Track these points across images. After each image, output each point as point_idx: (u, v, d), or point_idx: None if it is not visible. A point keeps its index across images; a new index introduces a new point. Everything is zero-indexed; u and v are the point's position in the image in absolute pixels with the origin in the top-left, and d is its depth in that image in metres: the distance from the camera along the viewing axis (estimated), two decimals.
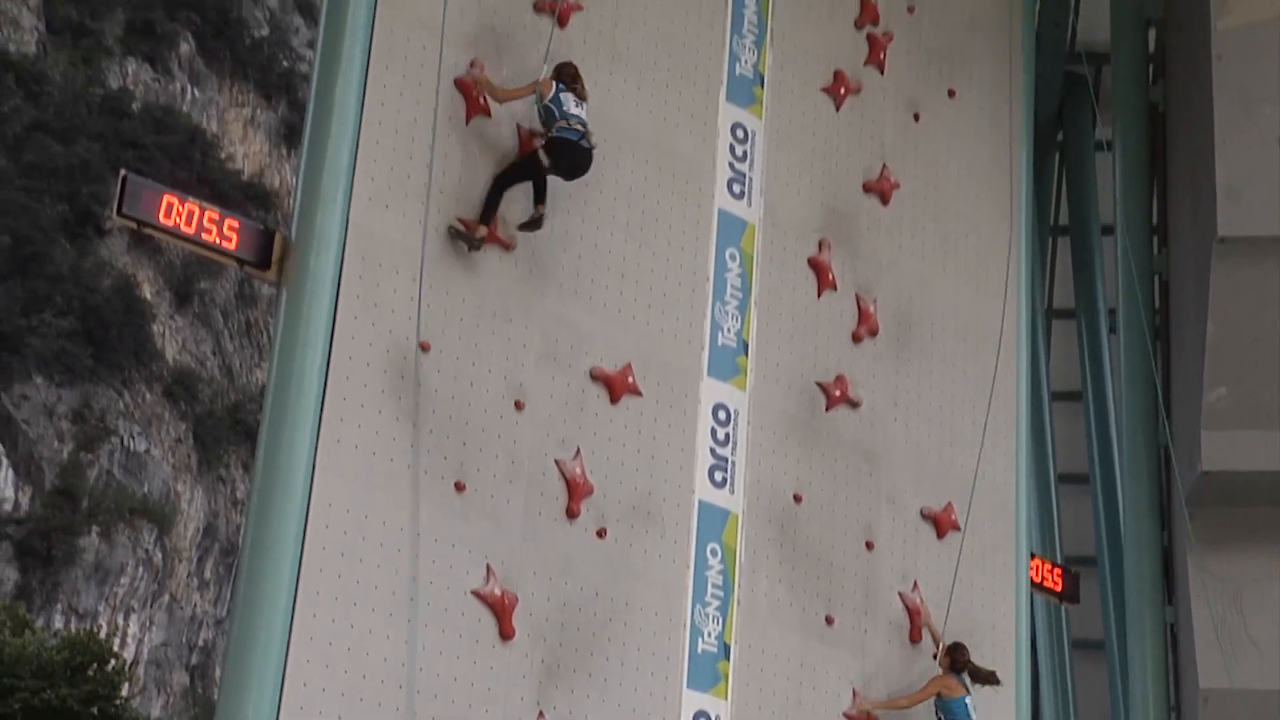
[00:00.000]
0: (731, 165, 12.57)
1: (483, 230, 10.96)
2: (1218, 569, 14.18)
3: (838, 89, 13.43)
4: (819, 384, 12.62)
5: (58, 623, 49.00)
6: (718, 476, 11.83)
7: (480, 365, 10.88)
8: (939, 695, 11.93)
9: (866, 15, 13.80)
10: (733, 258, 12.37)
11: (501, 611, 10.50)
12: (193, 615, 57.22)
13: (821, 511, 12.34)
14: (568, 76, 11.16)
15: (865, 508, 12.58)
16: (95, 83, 63.71)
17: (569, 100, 11.05)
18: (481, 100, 11.28)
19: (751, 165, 12.68)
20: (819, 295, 12.85)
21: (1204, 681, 13.98)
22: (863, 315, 13.04)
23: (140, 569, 54.39)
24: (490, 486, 10.72)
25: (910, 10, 14.13)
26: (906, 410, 13.06)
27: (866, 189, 13.42)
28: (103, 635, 42.58)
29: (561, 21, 11.81)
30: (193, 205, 10.33)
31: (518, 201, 11.16)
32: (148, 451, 57.02)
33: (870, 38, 13.77)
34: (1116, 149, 15.63)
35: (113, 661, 38.96)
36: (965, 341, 13.60)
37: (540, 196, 11.08)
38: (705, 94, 12.58)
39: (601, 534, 11.13)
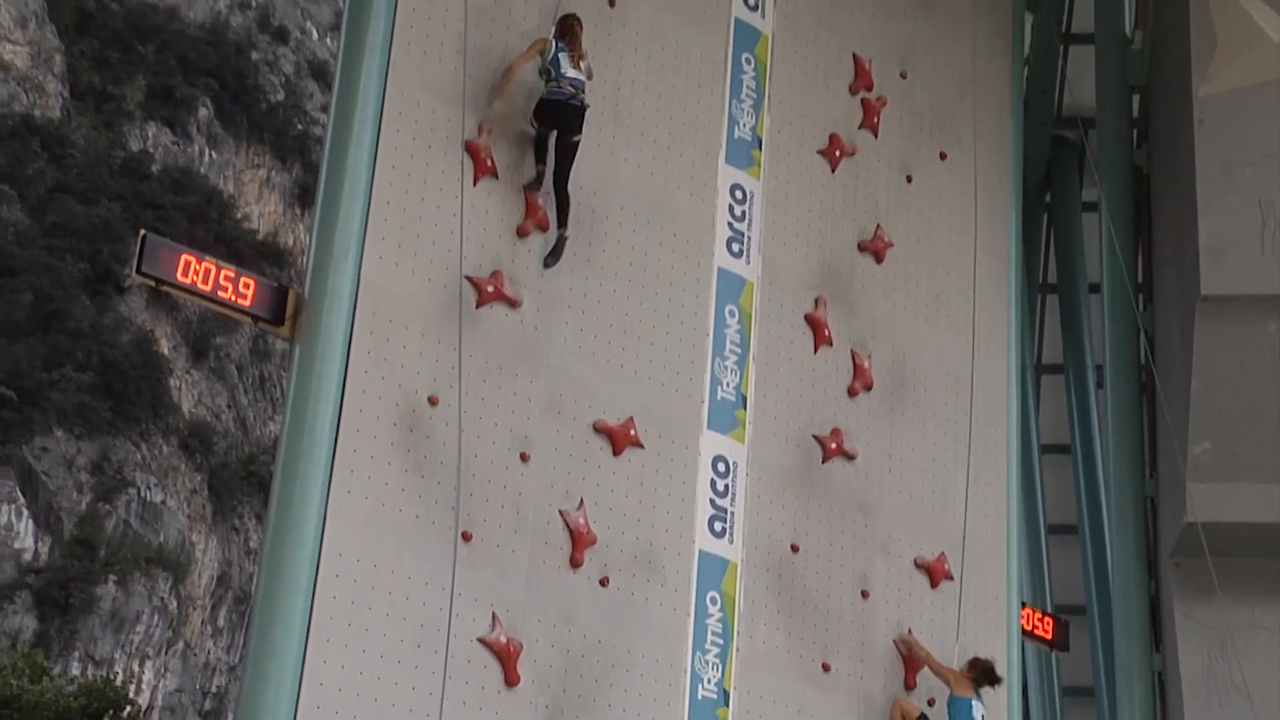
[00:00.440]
0: (731, 225, 12.59)
1: (540, 165, 11.39)
2: (1204, 618, 14.12)
3: (833, 152, 13.47)
4: (815, 437, 12.60)
5: (75, 670, 48.79)
6: (717, 526, 11.80)
7: (487, 418, 10.88)
8: (951, 691, 11.89)
9: (860, 81, 13.85)
10: (732, 314, 12.38)
11: (507, 658, 10.45)
12: (206, 662, 56.99)
13: (818, 561, 12.29)
14: (566, 33, 11.47)
15: (861, 557, 12.53)
16: (117, 146, 64.01)
17: (564, 61, 11.35)
18: (490, 165, 11.32)
19: (750, 225, 12.70)
20: (815, 351, 12.85)
21: None
22: (858, 370, 13.03)
23: (156, 617, 54.20)
24: (496, 536, 10.69)
25: (903, 76, 14.19)
26: (901, 462, 13.03)
27: (861, 248, 13.44)
28: (119, 682, 42.33)
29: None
30: (210, 263, 10.36)
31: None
32: (164, 502, 56.92)
33: (864, 102, 13.82)
34: (1103, 210, 15.66)
35: (128, 708, 38.74)
36: (957, 396, 13.58)
37: (540, 157, 11.41)
38: (705, 156, 12.62)
39: (604, 583, 11.08)
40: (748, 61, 13.07)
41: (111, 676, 43.51)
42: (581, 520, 11.09)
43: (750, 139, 12.93)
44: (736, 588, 11.74)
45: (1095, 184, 16.26)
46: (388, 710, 9.87)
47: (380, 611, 10.03)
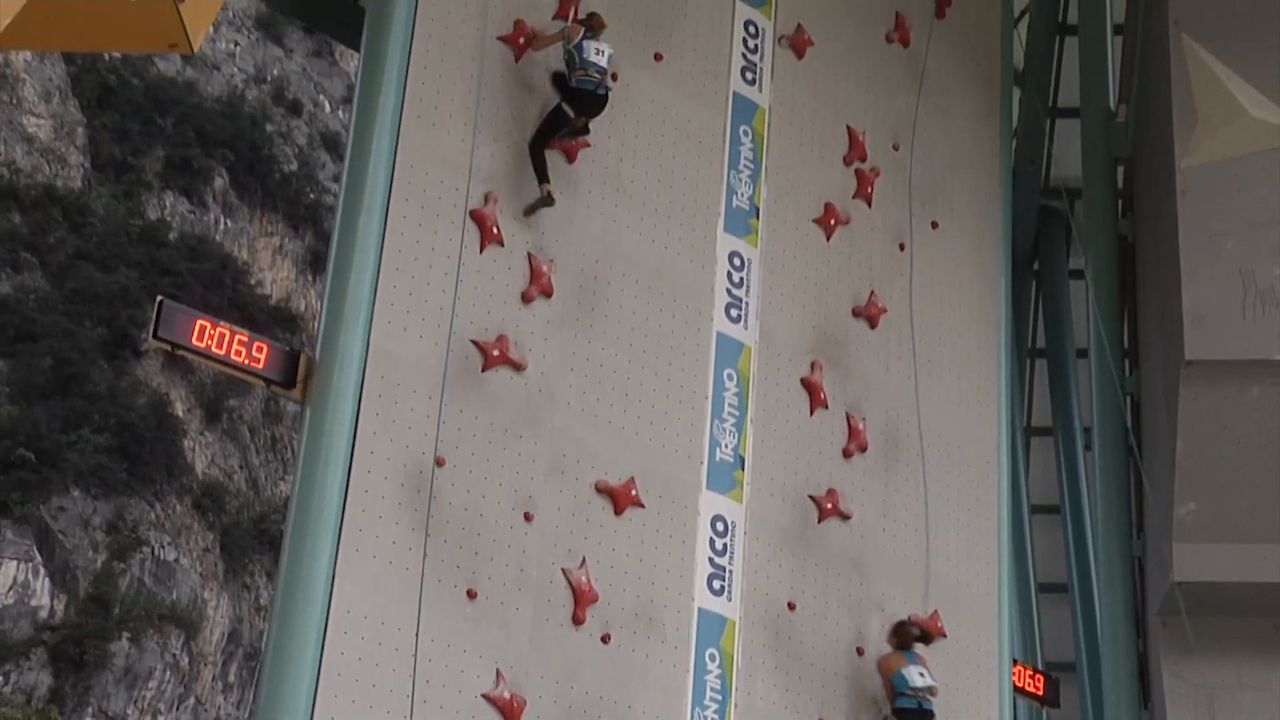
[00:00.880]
0: (729, 291, 12.61)
1: (547, 186, 11.42)
2: (1191, 675, 14.04)
3: (828, 220, 13.50)
4: (811, 497, 12.57)
5: None
6: (716, 585, 11.74)
7: (491, 479, 10.85)
8: (892, 674, 11.90)
9: (855, 153, 13.91)
10: (730, 378, 12.37)
11: (510, 715, 10.38)
12: (217, 717, 56.56)
13: (814, 618, 12.22)
14: (597, 26, 11.65)
15: (856, 615, 12.47)
16: (135, 214, 64.19)
17: (589, 48, 11.51)
18: (496, 233, 11.35)
19: (748, 291, 12.72)
20: (811, 413, 12.83)
21: None
22: (853, 432, 13.00)
23: (168, 673, 53.85)
24: (500, 594, 10.64)
25: (895, 148, 14.25)
26: (894, 522, 12.99)
27: (856, 314, 13.45)
28: None
29: (570, 157, 11.91)
30: (224, 328, 10.36)
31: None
32: (177, 560, 56.69)
33: (858, 173, 13.87)
34: (1089, 277, 15.69)
35: None
36: (949, 457, 13.55)
37: (545, 176, 11.50)
38: (704, 225, 12.65)
39: (606, 640, 11.01)
40: (745, 134, 13.13)
41: None
42: (584, 578, 11.04)
43: (748, 208, 12.97)
44: (735, 645, 11.67)
45: (1082, 252, 16.30)
46: None
47: (387, 668, 9.96)
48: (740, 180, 12.98)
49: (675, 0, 12.96)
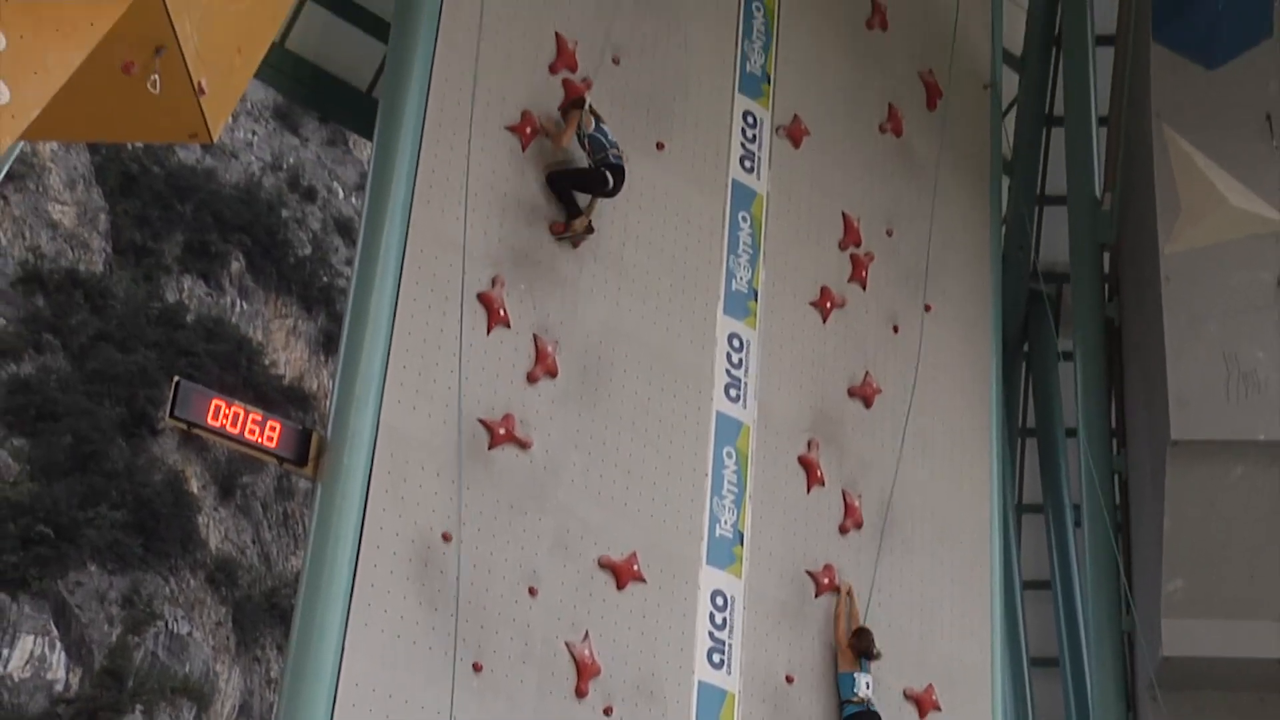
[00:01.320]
0: (728, 371, 12.62)
1: (583, 220, 11.74)
2: None
3: (824, 303, 13.54)
4: (809, 572, 12.51)
5: None
6: (716, 658, 11.67)
7: (497, 554, 10.81)
8: (838, 666, 11.95)
9: (849, 238, 13.97)
10: (729, 456, 12.35)
11: None
12: None
13: (812, 692, 12.13)
14: (596, 112, 11.95)
15: None
16: (154, 297, 64.38)
17: (608, 130, 11.85)
18: (503, 315, 11.38)
19: (746, 371, 12.73)
20: (808, 491, 12.81)
21: None
22: (849, 509, 12.97)
23: None
24: (505, 667, 10.57)
25: (889, 234, 14.31)
26: (890, 597, 12.92)
27: (851, 394, 13.45)
28: None
29: (574, 242, 11.97)
30: (238, 408, 10.37)
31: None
32: (190, 634, 56.34)
33: (853, 258, 13.93)
34: (1077, 359, 15.70)
35: None
36: (942, 534, 13.51)
37: (577, 209, 11.86)
38: (705, 307, 12.69)
39: (608, 712, 10.93)
40: (744, 219, 13.19)
41: None
42: (586, 652, 10.97)
43: (746, 291, 13.01)
44: (734, 717, 11.57)
45: (1070, 335, 16.33)
46: None
47: None
48: (739, 264, 13.04)
49: (676, 91, 13.08)
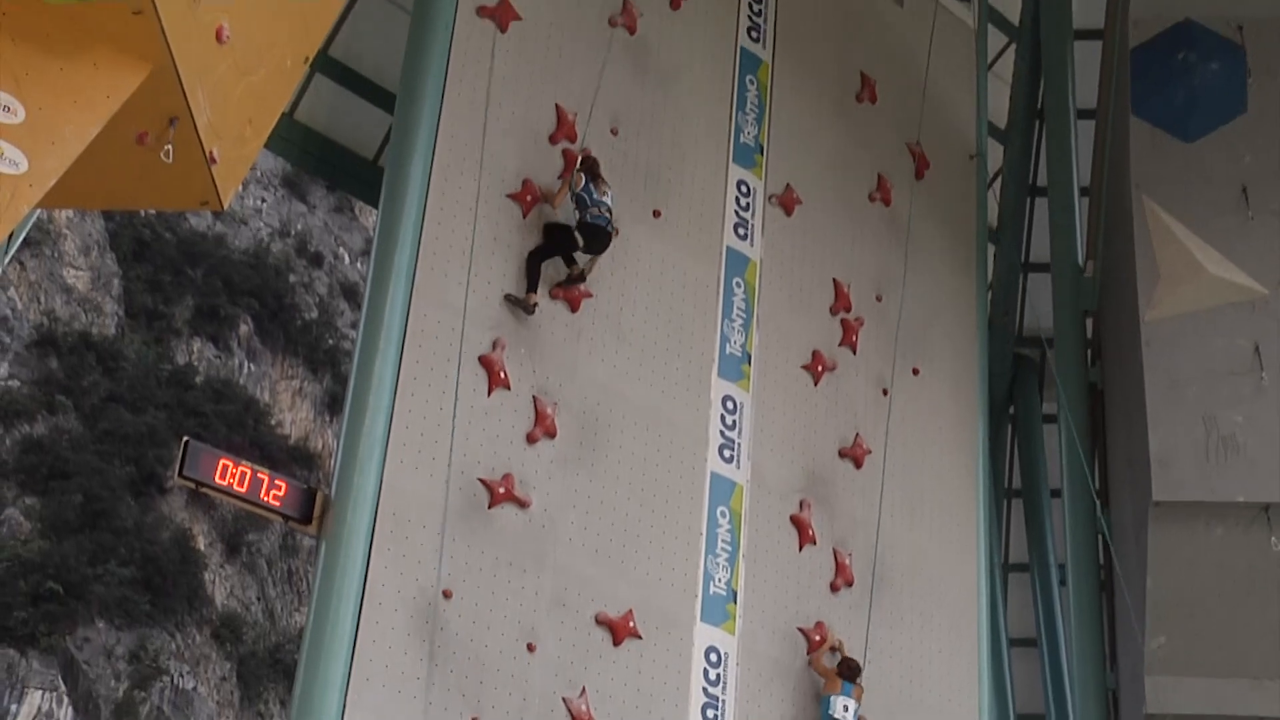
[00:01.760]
0: (722, 433, 12.62)
1: (533, 298, 11.57)
2: None
3: (816, 367, 13.56)
4: (800, 629, 12.46)
5: None
6: (710, 714, 11.59)
7: (496, 611, 10.76)
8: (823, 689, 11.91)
9: (840, 304, 14.02)
10: (723, 515, 12.33)
11: None
12: None
13: None
14: (592, 170, 11.89)
15: None
16: (164, 359, 64.36)
17: (597, 191, 11.78)
18: (503, 378, 11.38)
19: (740, 433, 12.73)
20: (800, 549, 12.78)
21: None
22: (839, 568, 12.93)
23: None
24: None
25: (878, 299, 14.36)
26: (880, 653, 12.86)
27: (842, 455, 13.45)
28: None
29: (574, 306, 12.00)
30: (245, 467, 10.36)
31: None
32: (195, 689, 55.90)
33: (844, 323, 13.97)
34: (1062, 421, 15.70)
35: None
36: (931, 592, 13.47)
37: (571, 260, 11.81)
38: (699, 370, 12.70)
39: None
40: (738, 285, 13.24)
41: None
42: (584, 707, 10.90)
43: (740, 355, 13.04)
44: None
45: (1055, 398, 16.33)
46: None
47: None
48: (733, 329, 13.07)
49: (672, 161, 13.16)
